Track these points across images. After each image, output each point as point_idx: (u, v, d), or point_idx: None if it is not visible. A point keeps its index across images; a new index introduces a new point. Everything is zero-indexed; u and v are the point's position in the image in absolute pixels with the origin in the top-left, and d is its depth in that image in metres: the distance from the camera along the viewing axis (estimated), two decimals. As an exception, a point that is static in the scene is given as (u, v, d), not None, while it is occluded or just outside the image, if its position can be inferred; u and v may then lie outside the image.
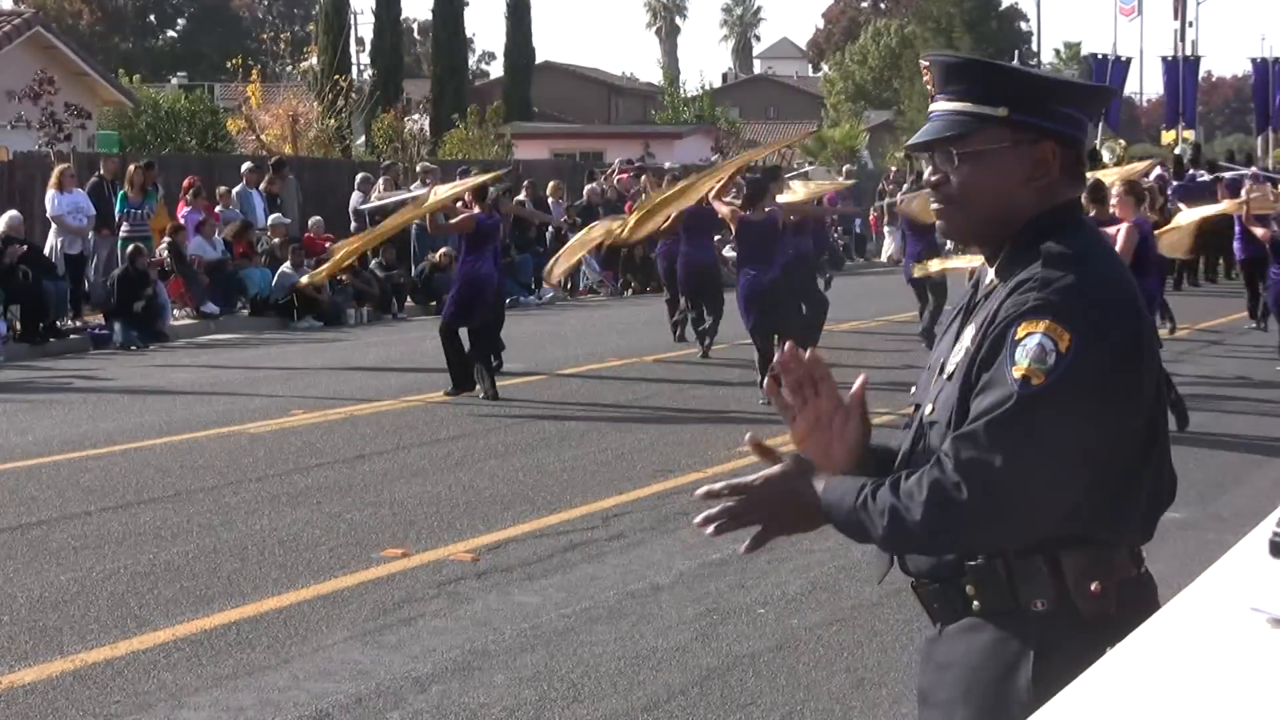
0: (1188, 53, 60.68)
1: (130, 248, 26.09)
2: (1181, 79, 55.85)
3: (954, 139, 3.64)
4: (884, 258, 46.45)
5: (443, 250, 29.74)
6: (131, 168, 27.99)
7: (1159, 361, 3.58)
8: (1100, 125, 47.15)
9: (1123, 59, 57.40)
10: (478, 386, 18.20)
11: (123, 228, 27.28)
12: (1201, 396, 17.44)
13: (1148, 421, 3.51)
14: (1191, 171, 37.76)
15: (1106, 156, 38.39)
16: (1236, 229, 25.79)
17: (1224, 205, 24.33)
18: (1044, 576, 3.50)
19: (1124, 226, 15.41)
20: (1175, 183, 34.92)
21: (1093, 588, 3.48)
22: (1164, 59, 58.06)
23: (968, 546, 3.55)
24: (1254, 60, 58.49)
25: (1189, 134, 56.72)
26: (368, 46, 68.02)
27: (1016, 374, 3.40)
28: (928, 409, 3.67)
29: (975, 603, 3.58)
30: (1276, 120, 57.17)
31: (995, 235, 3.69)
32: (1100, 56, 56.13)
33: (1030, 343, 3.41)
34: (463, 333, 18.43)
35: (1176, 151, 46.61)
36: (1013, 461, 3.36)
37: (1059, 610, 3.50)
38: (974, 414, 3.44)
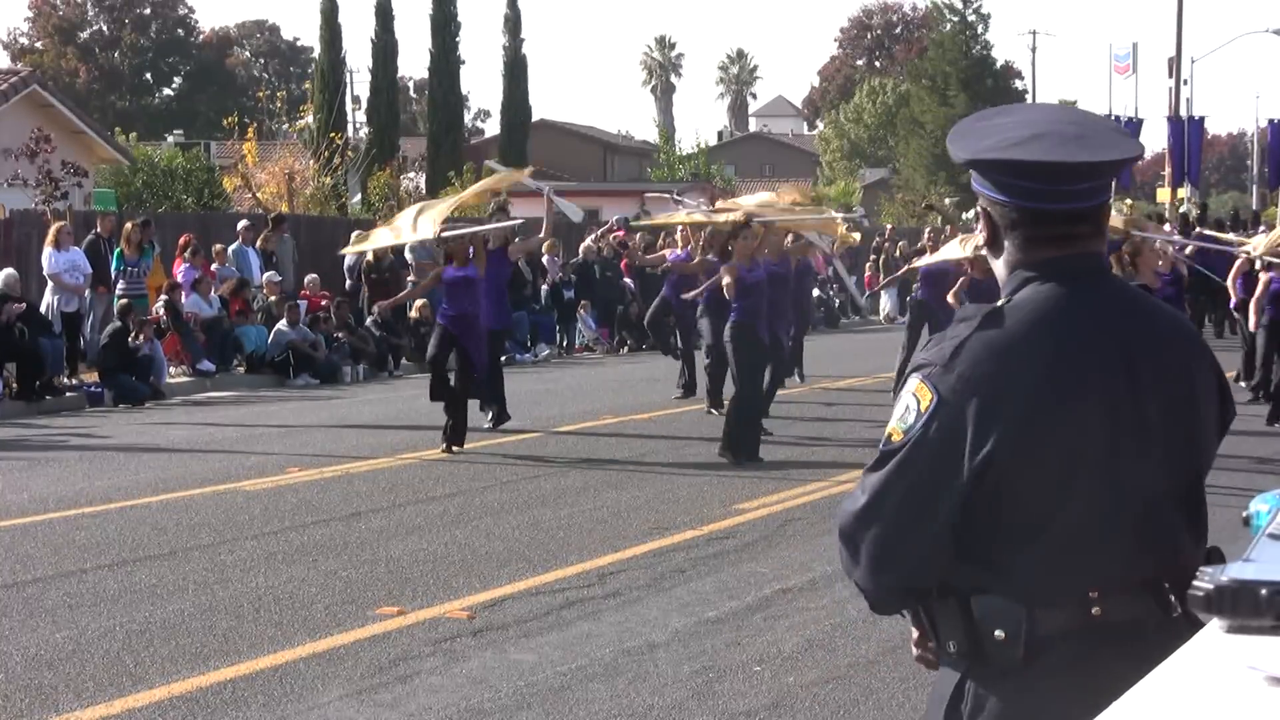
0: (1184, 111, 60.91)
1: (121, 303, 26.10)
2: (1186, 139, 56.04)
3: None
4: (880, 316, 46.54)
5: (419, 304, 29.87)
6: (128, 225, 28.04)
7: (1090, 425, 3.54)
8: (1113, 185, 47.81)
9: (1135, 120, 57.50)
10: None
11: (119, 285, 27.30)
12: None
13: (1057, 477, 3.53)
14: (1198, 229, 38.07)
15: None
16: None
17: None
18: (955, 619, 3.60)
19: None
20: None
21: (997, 635, 3.55)
22: (1170, 119, 58.29)
23: (860, 585, 3.69)
24: (1271, 121, 58.52)
25: (1183, 192, 56.94)
26: (364, 104, 68.18)
27: (886, 430, 3.60)
28: None
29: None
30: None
31: None
32: (1115, 118, 56.24)
33: (902, 400, 3.59)
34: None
35: (1182, 210, 47.07)
36: (859, 511, 3.59)
37: (972, 655, 3.60)
38: None
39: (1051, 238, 3.65)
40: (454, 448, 18.42)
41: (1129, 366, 3.61)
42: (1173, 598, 3.60)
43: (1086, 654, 3.53)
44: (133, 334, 25.30)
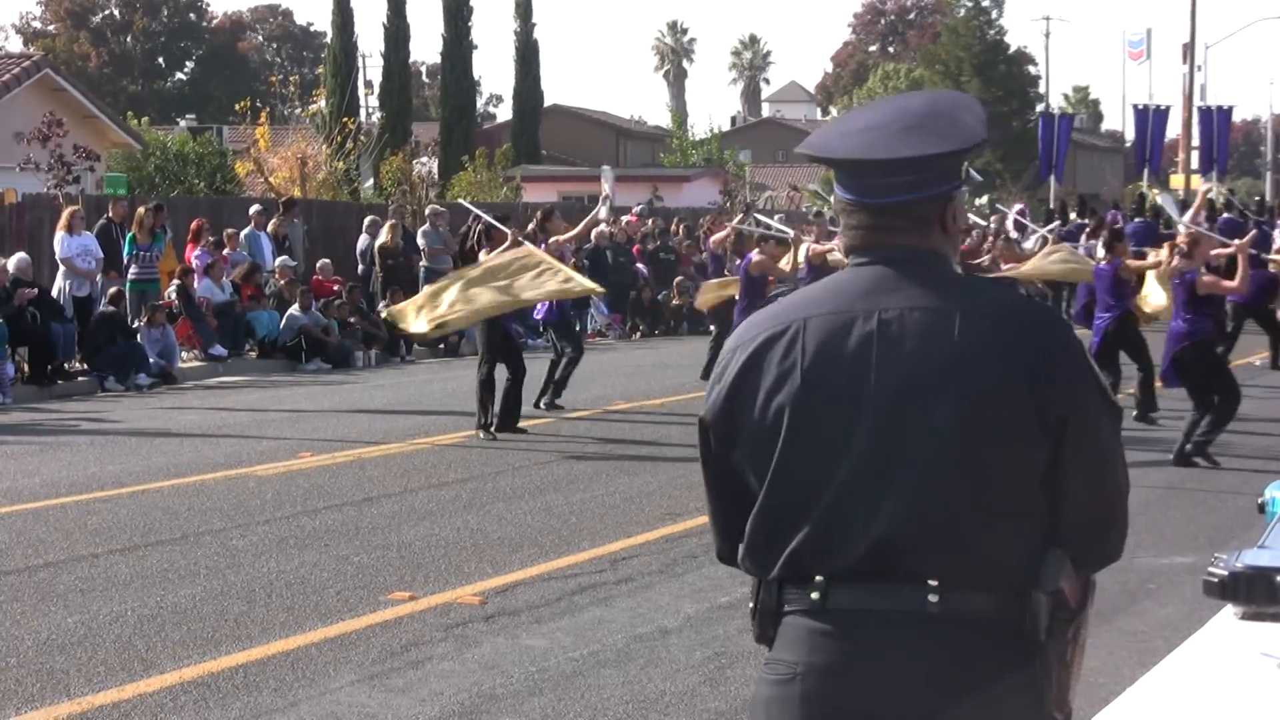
0: (1198, 97, 60.96)
1: (112, 290, 26.04)
2: (1215, 127, 56.10)
3: None
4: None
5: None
6: (140, 210, 27.98)
7: (782, 406, 3.60)
8: (1145, 172, 51.79)
9: (1162, 108, 57.51)
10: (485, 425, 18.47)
11: (131, 270, 27.28)
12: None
13: (751, 454, 3.66)
14: (1226, 215, 38.28)
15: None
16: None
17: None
18: None
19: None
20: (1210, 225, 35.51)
21: (750, 605, 3.75)
22: (1200, 108, 58.38)
23: None
24: None
25: (1196, 180, 57.01)
26: (376, 89, 68.17)
27: None
28: None
29: None
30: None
31: None
32: (1141, 106, 56.22)
33: None
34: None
35: (1210, 196, 47.64)
36: None
37: None
38: None
39: (860, 227, 3.71)
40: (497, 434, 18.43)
41: (873, 356, 3.57)
42: (933, 598, 3.48)
43: (817, 638, 3.55)
44: (143, 319, 25.30)
